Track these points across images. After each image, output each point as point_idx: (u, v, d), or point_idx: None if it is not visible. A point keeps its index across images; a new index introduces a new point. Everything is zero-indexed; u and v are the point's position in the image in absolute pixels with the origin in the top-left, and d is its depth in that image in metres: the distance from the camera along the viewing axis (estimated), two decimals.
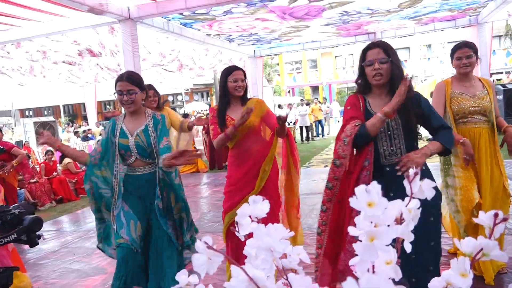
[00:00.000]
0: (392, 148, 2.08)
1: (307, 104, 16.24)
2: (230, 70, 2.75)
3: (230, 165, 2.88)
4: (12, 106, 25.05)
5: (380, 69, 2.02)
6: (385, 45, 2.09)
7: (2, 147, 5.40)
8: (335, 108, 21.78)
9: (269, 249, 0.59)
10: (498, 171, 2.83)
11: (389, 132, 2.08)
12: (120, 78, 2.37)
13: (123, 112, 2.54)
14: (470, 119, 2.83)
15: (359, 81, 2.19)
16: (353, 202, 0.46)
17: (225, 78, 2.75)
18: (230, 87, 2.73)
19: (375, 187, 0.44)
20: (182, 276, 0.62)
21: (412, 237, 0.53)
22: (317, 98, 19.34)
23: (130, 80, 2.34)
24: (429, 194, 0.53)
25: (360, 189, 0.45)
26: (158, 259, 2.44)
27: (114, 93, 2.40)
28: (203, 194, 6.85)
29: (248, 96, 2.88)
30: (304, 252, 0.65)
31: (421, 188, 0.54)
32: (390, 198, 1.76)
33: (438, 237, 2.08)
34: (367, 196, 0.44)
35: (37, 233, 1.78)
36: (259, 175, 2.74)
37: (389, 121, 2.04)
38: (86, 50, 7.96)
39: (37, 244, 1.80)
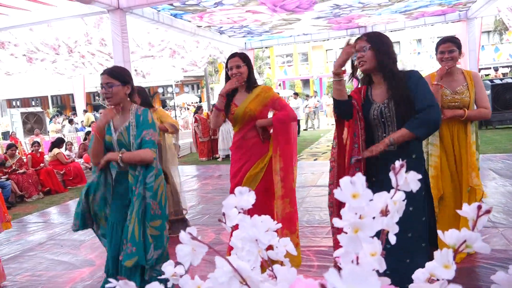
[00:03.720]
0: (385, 135, 2.14)
1: (307, 96, 16.32)
2: (228, 59, 2.86)
3: (232, 149, 3.00)
4: None
5: (362, 56, 2.13)
6: (370, 34, 2.20)
7: None
8: (324, 102, 21.86)
9: (254, 241, 0.59)
10: (464, 167, 2.93)
11: (383, 120, 2.14)
12: (102, 72, 2.38)
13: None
14: (447, 113, 2.92)
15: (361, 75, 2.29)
16: (337, 193, 0.45)
17: (225, 67, 2.88)
18: (229, 75, 2.83)
19: (360, 178, 0.44)
20: (168, 267, 0.62)
21: (396, 228, 0.53)
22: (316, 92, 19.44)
23: (110, 74, 2.33)
24: (415, 187, 0.53)
25: (344, 181, 0.45)
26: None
27: (97, 87, 2.39)
28: (192, 186, 6.84)
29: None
30: (290, 243, 0.65)
31: (406, 180, 0.54)
32: (379, 183, 1.79)
33: (417, 228, 2.06)
34: (351, 187, 0.44)
35: None
36: (252, 165, 2.81)
37: (383, 108, 2.13)
38: (64, 44, 7.81)
39: None
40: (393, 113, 2.10)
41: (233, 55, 2.83)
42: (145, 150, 2.25)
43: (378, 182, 2.13)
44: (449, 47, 2.89)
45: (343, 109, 2.24)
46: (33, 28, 7.38)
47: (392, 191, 0.54)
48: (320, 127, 16.95)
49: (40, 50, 7.94)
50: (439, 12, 8.92)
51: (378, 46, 2.11)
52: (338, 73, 2.22)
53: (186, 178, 7.63)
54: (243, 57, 2.82)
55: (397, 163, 0.56)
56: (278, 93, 2.93)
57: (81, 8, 6.05)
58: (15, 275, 3.53)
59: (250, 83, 2.86)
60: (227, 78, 2.85)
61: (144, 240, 2.23)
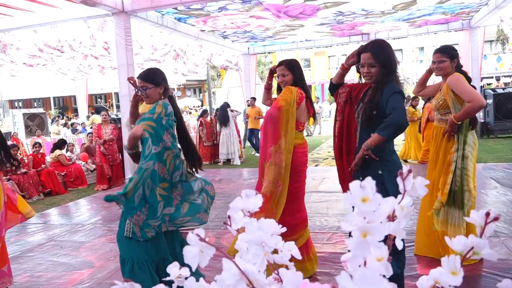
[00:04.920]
0: (358, 133, 2.43)
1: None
2: (277, 65, 3.01)
3: None
4: (1, 97, 24.71)
5: (369, 72, 2.31)
6: (375, 49, 2.32)
7: None
8: (325, 108, 21.91)
9: (260, 244, 0.59)
10: (439, 171, 3.07)
11: (358, 119, 2.40)
12: (137, 76, 2.60)
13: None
14: (436, 117, 3.22)
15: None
16: (346, 197, 0.45)
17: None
18: (278, 83, 3.00)
19: (370, 182, 0.44)
20: (173, 269, 0.62)
21: (403, 234, 0.53)
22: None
23: (144, 78, 2.55)
24: (422, 192, 0.53)
25: (354, 185, 0.45)
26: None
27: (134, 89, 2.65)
28: None
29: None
30: (295, 247, 0.65)
31: (414, 186, 0.54)
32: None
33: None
34: (361, 191, 0.44)
35: None
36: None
37: (359, 110, 2.40)
38: (68, 44, 7.85)
39: None
40: (360, 116, 2.36)
41: (280, 63, 2.97)
42: (137, 126, 2.40)
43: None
44: (438, 58, 3.05)
45: (334, 87, 2.74)
46: (37, 29, 7.41)
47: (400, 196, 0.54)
48: (321, 133, 16.94)
49: (45, 51, 7.98)
50: (442, 20, 8.96)
51: (384, 63, 2.28)
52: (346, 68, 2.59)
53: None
54: (288, 65, 2.94)
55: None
56: (292, 92, 2.90)
57: (86, 11, 6.08)
58: (15, 276, 3.50)
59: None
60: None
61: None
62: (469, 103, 2.85)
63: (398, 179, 0.54)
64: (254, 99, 10.29)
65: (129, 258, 2.40)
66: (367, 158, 2.25)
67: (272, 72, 3.16)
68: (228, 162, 9.81)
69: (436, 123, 3.20)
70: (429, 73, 3.29)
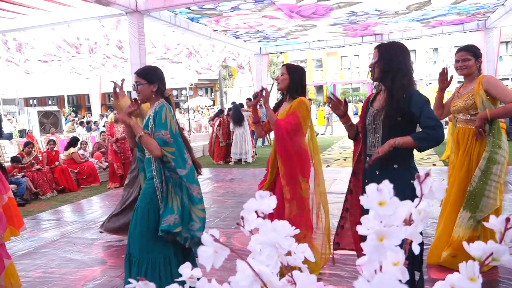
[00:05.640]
0: (373, 140, 2.31)
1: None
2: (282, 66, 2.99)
3: None
4: (16, 95, 25.12)
5: (371, 66, 2.27)
6: (381, 47, 2.27)
7: None
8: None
9: (274, 245, 0.59)
10: (468, 176, 2.91)
11: (374, 126, 2.30)
12: (135, 72, 2.63)
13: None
14: (458, 118, 3.04)
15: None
16: (363, 200, 0.45)
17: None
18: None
19: (387, 185, 0.43)
20: (185, 269, 0.62)
21: (420, 238, 0.52)
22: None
23: (139, 74, 2.56)
24: (440, 196, 0.52)
25: (370, 188, 0.44)
26: None
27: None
28: (204, 189, 6.85)
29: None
30: (308, 250, 0.64)
31: (431, 189, 0.53)
32: (365, 185, 1.84)
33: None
34: (378, 195, 0.44)
35: None
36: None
37: (375, 115, 2.28)
38: (86, 41, 7.94)
39: None
40: (380, 121, 2.25)
41: (283, 64, 2.98)
42: (157, 145, 2.39)
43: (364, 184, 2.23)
44: (463, 56, 2.95)
45: (355, 138, 2.53)
46: (54, 27, 7.50)
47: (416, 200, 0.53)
48: (333, 133, 16.87)
49: (62, 47, 8.07)
50: (457, 21, 8.84)
51: (385, 59, 2.21)
52: (344, 120, 2.43)
53: (199, 181, 7.66)
54: (288, 67, 2.93)
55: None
56: (307, 106, 2.89)
57: (100, 10, 6.14)
58: (29, 271, 3.57)
59: (291, 94, 2.92)
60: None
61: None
62: (510, 103, 2.74)
63: (415, 182, 0.53)
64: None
65: (146, 258, 2.40)
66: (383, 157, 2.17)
67: (255, 103, 2.96)
68: (239, 161, 9.82)
69: (463, 124, 3.00)
70: (441, 91, 3.13)
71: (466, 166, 2.94)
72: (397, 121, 2.17)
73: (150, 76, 2.55)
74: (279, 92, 3.04)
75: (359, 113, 2.59)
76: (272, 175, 2.96)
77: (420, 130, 2.15)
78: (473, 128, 2.89)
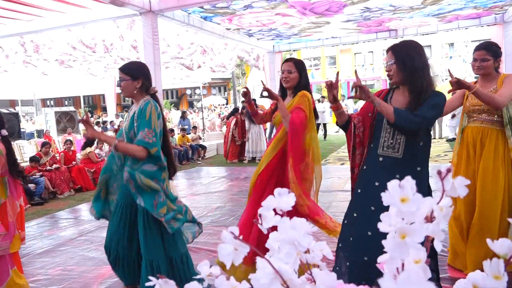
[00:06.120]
0: (391, 141, 2.18)
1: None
2: (283, 62, 2.88)
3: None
4: (34, 96, 25.56)
5: (389, 71, 2.17)
6: (395, 47, 2.17)
7: None
8: (350, 106, 21.60)
9: (293, 243, 0.59)
10: (499, 178, 2.73)
11: (387, 125, 2.19)
12: (119, 67, 2.59)
13: None
14: (475, 118, 2.88)
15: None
16: (385, 197, 0.44)
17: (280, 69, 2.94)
18: (280, 78, 2.86)
19: (410, 182, 0.42)
20: (203, 267, 0.62)
21: (442, 236, 0.51)
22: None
23: (122, 70, 2.52)
24: (462, 192, 0.51)
25: (393, 184, 0.44)
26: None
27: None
28: (219, 188, 6.88)
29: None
30: (327, 247, 0.64)
31: (453, 186, 0.52)
32: (375, 188, 1.84)
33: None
34: (400, 191, 0.43)
35: None
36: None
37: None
38: (102, 42, 8.04)
39: None
40: None
41: (288, 60, 2.83)
42: (138, 147, 2.36)
43: (382, 186, 2.13)
44: (481, 56, 2.78)
45: (344, 127, 2.39)
46: (70, 29, 7.61)
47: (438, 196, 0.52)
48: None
49: (78, 48, 8.18)
50: (473, 15, 8.67)
51: (403, 60, 2.10)
52: (335, 107, 2.29)
53: (213, 179, 7.69)
54: (297, 64, 2.80)
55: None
56: (309, 100, 2.81)
57: (114, 11, 6.20)
58: (48, 268, 3.64)
59: (297, 90, 2.81)
60: (280, 79, 2.92)
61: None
62: (498, 96, 2.63)
63: (437, 179, 0.52)
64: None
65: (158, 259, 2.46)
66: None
67: (249, 99, 2.88)
68: (253, 160, 9.83)
69: (478, 124, 2.86)
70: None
71: (491, 170, 2.76)
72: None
73: (134, 72, 2.50)
74: (279, 90, 2.95)
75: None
76: (264, 165, 2.83)
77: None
78: (490, 127, 2.79)
